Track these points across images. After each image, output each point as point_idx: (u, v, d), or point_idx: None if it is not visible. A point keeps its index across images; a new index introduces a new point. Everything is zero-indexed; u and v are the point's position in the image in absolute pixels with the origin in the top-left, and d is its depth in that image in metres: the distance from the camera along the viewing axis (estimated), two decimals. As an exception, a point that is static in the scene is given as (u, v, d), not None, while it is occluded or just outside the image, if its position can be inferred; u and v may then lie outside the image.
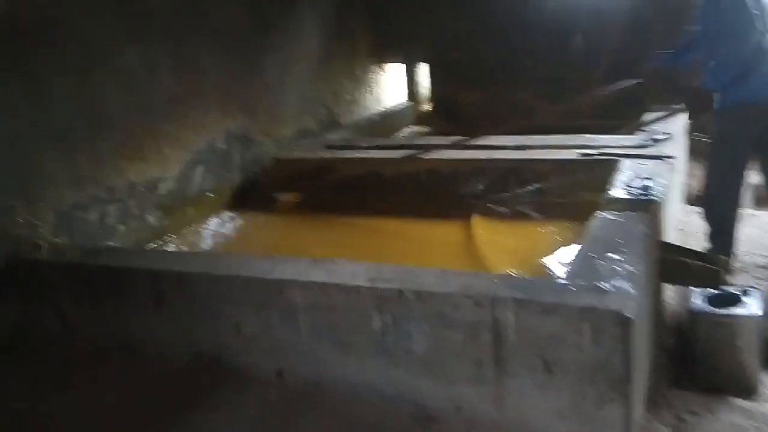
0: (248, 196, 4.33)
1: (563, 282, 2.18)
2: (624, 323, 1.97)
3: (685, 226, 4.01)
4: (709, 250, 3.40)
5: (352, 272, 2.39)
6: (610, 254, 2.36)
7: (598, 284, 2.13)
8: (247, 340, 2.50)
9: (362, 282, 2.30)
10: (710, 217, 3.37)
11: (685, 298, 2.96)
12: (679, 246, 2.88)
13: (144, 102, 3.58)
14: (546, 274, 2.77)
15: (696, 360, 2.69)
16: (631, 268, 2.24)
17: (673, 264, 2.71)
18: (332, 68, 5.51)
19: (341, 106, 5.66)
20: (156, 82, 3.65)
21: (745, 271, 3.48)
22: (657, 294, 2.75)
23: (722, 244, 3.39)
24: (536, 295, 2.10)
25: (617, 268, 2.25)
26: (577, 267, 2.30)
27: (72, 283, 2.76)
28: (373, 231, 3.82)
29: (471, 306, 2.14)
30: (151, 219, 3.64)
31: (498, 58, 6.03)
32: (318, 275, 2.39)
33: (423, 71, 6.59)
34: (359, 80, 5.97)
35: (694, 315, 2.71)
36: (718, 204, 3.32)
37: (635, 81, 4.26)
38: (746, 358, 2.59)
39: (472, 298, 2.14)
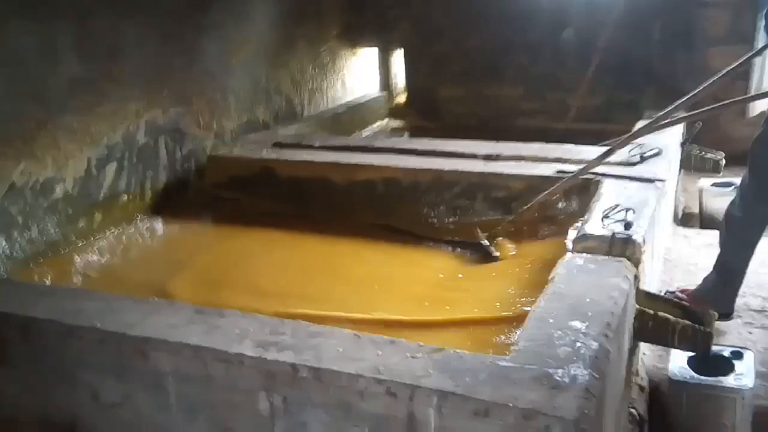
0: (177, 200, 3.77)
1: (506, 364, 1.64)
2: (578, 437, 1.44)
3: (672, 255, 3.47)
4: (705, 293, 2.89)
5: (239, 332, 1.84)
6: (572, 322, 1.82)
7: (551, 372, 1.59)
8: (106, 411, 1.95)
9: (247, 349, 1.76)
10: (730, 246, 2.84)
11: (665, 357, 2.49)
12: (662, 297, 2.37)
13: (36, 89, 2.97)
14: (493, 342, 2.22)
15: (673, 436, 2.23)
16: (596, 346, 1.71)
17: (653, 321, 2.19)
18: (293, 52, 4.91)
19: (302, 95, 5.06)
20: (53, 65, 3.04)
21: (739, 316, 2.97)
22: (630, 358, 2.23)
23: (726, 287, 2.87)
24: (467, 385, 1.56)
25: (579, 344, 1.72)
26: (528, 340, 1.75)
27: None
28: (310, 247, 3.27)
29: (382, 395, 1.60)
30: (43, 229, 3.06)
31: (484, 51, 5.49)
32: (193, 334, 1.84)
33: (399, 59, 6.00)
34: (325, 67, 5.37)
35: (674, 383, 2.30)
36: (748, 228, 2.77)
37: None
38: (733, 436, 2.14)
39: (384, 385, 1.60)
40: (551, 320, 1.83)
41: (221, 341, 1.80)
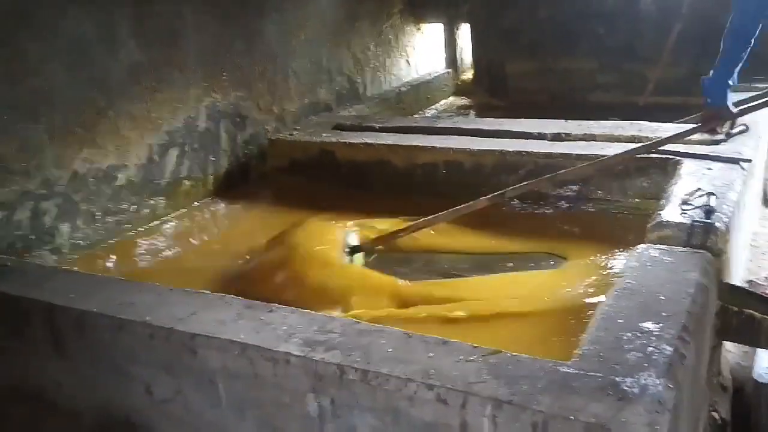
0: (240, 183, 3.75)
1: (568, 371, 1.51)
2: (648, 456, 1.31)
3: (760, 240, 3.21)
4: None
5: (287, 328, 1.78)
6: (644, 323, 1.67)
7: (619, 381, 1.45)
8: (159, 405, 1.93)
9: (294, 348, 1.69)
10: None
11: (751, 354, 2.29)
12: (747, 291, 2.16)
13: (97, 76, 3.00)
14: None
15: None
16: (670, 350, 1.55)
17: (737, 318, 2.01)
18: (355, 30, 4.81)
19: (365, 74, 4.96)
20: (113, 52, 3.06)
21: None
22: (712, 359, 2.05)
23: None
24: (524, 393, 1.44)
25: (652, 349, 1.56)
26: (594, 343, 1.61)
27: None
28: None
29: (432, 401, 1.50)
30: (106, 215, 3.10)
31: (556, 22, 5.23)
32: (241, 331, 1.78)
33: (466, 34, 5.81)
34: (388, 44, 5.25)
35: (760, 386, 2.10)
36: None
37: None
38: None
39: (435, 390, 1.50)
40: (620, 320, 1.69)
41: (268, 339, 1.74)
